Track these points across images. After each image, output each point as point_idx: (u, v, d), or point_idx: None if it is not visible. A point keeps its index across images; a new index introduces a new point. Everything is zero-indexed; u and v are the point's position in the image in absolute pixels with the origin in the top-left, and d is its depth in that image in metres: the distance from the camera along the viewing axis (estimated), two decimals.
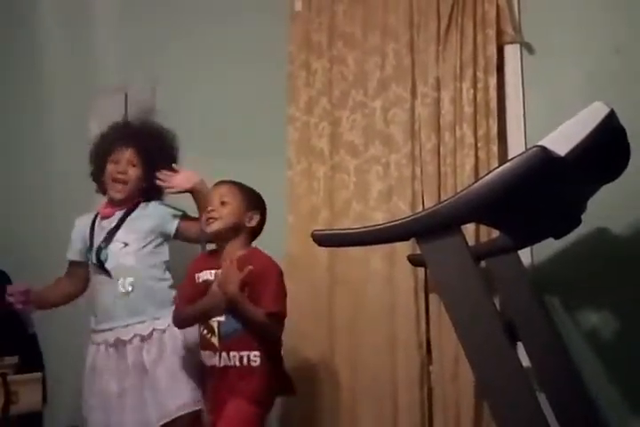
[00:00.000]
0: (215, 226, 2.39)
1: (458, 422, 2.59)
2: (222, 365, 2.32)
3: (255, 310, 2.25)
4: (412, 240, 1.77)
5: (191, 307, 2.37)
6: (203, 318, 2.37)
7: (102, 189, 2.77)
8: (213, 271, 2.37)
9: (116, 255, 2.61)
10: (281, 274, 2.38)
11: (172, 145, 2.79)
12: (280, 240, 2.93)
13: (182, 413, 2.42)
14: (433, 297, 2.70)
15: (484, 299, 1.61)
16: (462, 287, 1.61)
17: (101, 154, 2.76)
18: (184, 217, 2.68)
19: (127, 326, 2.55)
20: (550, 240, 2.17)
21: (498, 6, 2.73)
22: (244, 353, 2.30)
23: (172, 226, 2.66)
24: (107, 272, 2.60)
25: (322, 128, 2.96)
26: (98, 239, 2.66)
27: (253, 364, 2.29)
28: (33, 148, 3.69)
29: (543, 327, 2.36)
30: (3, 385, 3.04)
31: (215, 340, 2.34)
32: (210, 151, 3.14)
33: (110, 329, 2.58)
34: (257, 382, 2.29)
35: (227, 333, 2.32)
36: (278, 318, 2.31)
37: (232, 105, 3.22)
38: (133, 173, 2.68)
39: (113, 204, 2.71)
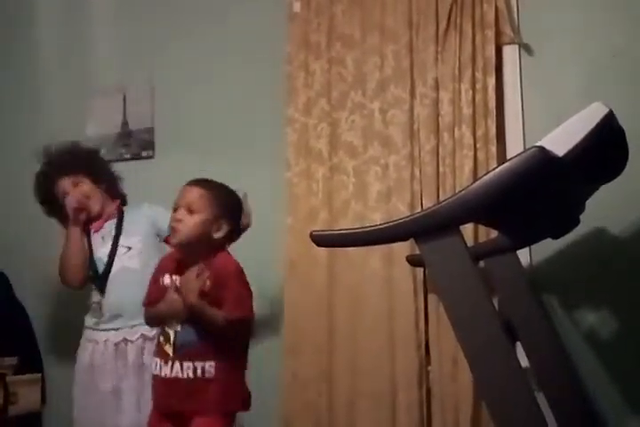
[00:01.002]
0: (178, 238, 2.24)
1: (457, 423, 2.59)
2: (173, 375, 2.17)
3: (215, 317, 2.15)
4: (411, 241, 1.78)
5: (152, 309, 2.28)
6: (161, 323, 2.26)
7: (64, 222, 2.84)
8: (175, 277, 2.25)
9: (120, 259, 2.65)
10: (240, 274, 2.24)
11: (90, 153, 2.93)
12: (279, 241, 2.93)
13: None
14: (432, 297, 2.70)
15: (482, 299, 1.61)
16: (461, 287, 1.61)
17: (44, 193, 2.87)
18: None
19: (134, 326, 2.58)
20: (549, 240, 2.17)
21: (496, 7, 2.74)
22: (198, 364, 2.16)
23: (165, 224, 2.65)
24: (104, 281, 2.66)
25: (321, 129, 2.96)
26: (99, 250, 2.74)
27: (207, 375, 2.15)
28: (30, 148, 3.68)
29: (541, 327, 2.36)
30: (2, 386, 3.04)
31: (169, 349, 2.20)
32: (208, 152, 3.14)
33: (116, 329, 2.61)
34: (211, 394, 2.16)
35: (182, 343, 2.19)
36: (241, 322, 2.19)
37: (230, 106, 3.22)
38: (82, 189, 2.78)
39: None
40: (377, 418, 2.71)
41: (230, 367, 2.20)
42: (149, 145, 3.38)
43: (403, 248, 2.62)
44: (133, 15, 3.52)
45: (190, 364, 2.17)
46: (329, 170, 2.92)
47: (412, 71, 2.85)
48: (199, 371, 2.16)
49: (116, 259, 2.70)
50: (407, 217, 1.69)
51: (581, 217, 2.03)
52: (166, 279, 2.28)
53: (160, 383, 2.22)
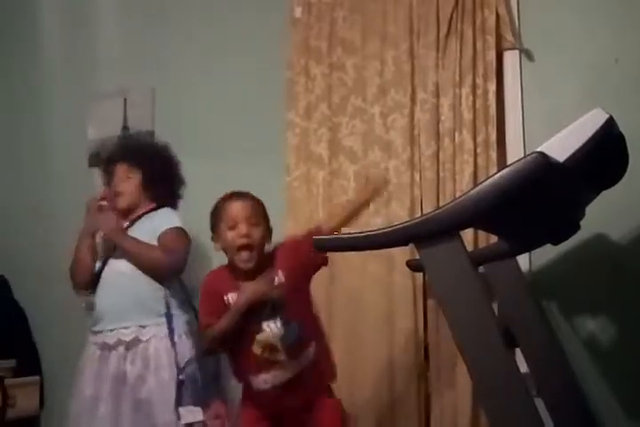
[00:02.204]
0: (256, 252, 2.24)
1: None
2: (295, 372, 2.21)
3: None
4: (411, 245, 1.78)
5: (213, 329, 2.22)
6: (223, 343, 2.25)
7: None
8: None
9: (113, 262, 2.65)
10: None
11: (163, 149, 2.85)
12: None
13: None
14: (431, 303, 2.70)
15: (482, 304, 1.61)
16: (461, 293, 1.61)
17: (107, 175, 2.85)
18: (174, 228, 2.68)
19: (112, 330, 2.57)
20: (549, 246, 2.17)
21: (497, 13, 2.74)
22: (304, 355, 2.24)
23: (158, 232, 2.67)
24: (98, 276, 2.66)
25: (321, 134, 2.96)
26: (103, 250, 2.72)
27: (311, 360, 2.25)
28: (31, 151, 3.69)
29: (541, 333, 2.36)
30: (0, 389, 3.04)
31: (281, 355, 2.20)
32: (208, 156, 3.14)
33: (100, 332, 2.61)
34: (319, 375, 2.28)
35: (290, 342, 2.20)
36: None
37: (231, 110, 3.22)
38: (128, 184, 2.74)
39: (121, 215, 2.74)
40: (375, 423, 2.70)
41: (322, 343, 2.31)
42: None
43: (403, 253, 2.62)
44: (134, 19, 3.53)
45: (299, 360, 2.23)
46: (329, 174, 2.92)
47: (412, 76, 2.85)
48: (305, 361, 2.23)
49: (110, 260, 2.69)
50: (407, 222, 1.68)
51: (581, 223, 2.02)
52: (230, 298, 2.24)
53: (274, 391, 2.22)
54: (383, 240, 1.72)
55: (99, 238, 2.75)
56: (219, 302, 2.25)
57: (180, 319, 2.59)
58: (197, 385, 2.41)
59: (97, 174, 3.38)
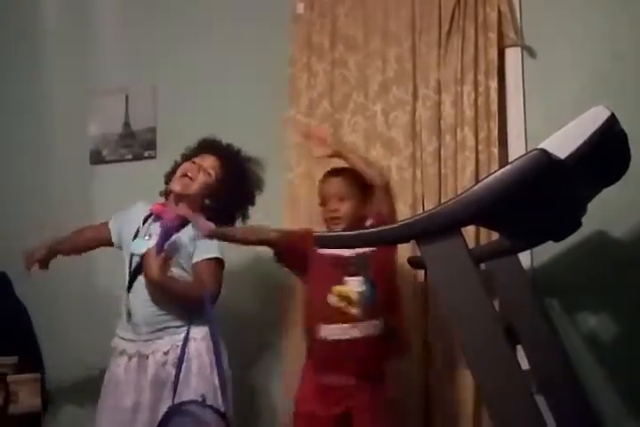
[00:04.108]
0: (341, 227, 2.41)
1: (456, 425, 2.59)
2: (363, 335, 2.30)
3: None
4: (412, 242, 1.78)
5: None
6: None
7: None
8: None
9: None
10: None
11: (255, 180, 2.68)
12: None
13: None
14: (433, 299, 2.70)
15: (483, 301, 1.61)
16: (462, 290, 1.61)
17: (187, 157, 2.67)
18: (213, 259, 2.50)
19: (147, 340, 2.46)
20: (550, 243, 2.17)
21: (499, 10, 2.74)
22: (384, 319, 2.33)
23: (196, 258, 2.50)
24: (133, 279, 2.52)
25: None
26: (141, 240, 2.54)
27: (382, 330, 2.33)
28: (32, 148, 3.69)
29: (542, 330, 2.36)
30: (2, 385, 3.04)
31: (355, 309, 2.28)
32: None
33: (134, 341, 2.49)
34: (385, 348, 2.36)
35: (366, 303, 2.28)
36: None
37: (233, 106, 3.22)
38: (202, 178, 2.57)
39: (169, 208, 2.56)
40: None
41: (396, 316, 2.39)
42: (152, 145, 3.38)
43: (404, 250, 2.62)
44: (137, 16, 3.52)
45: (369, 324, 2.31)
46: None
47: (414, 73, 2.85)
48: (374, 329, 2.32)
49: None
50: (408, 219, 1.68)
51: (583, 220, 2.02)
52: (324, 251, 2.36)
53: (337, 346, 2.30)
54: (385, 237, 1.72)
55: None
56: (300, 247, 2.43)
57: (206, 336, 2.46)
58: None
59: (99, 172, 3.42)
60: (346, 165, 2.53)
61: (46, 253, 2.65)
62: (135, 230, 2.59)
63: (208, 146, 2.68)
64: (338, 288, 2.30)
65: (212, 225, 2.40)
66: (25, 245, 3.39)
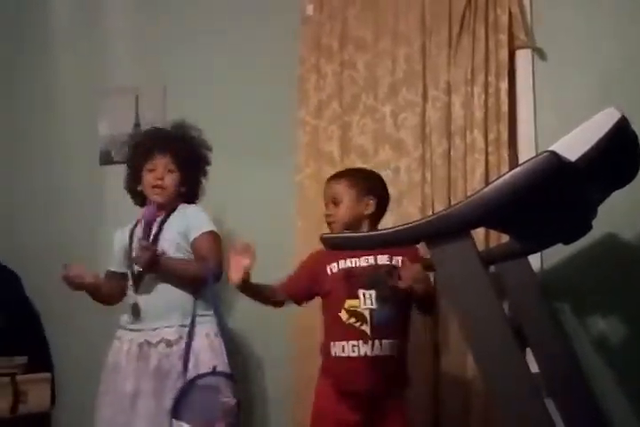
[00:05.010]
0: (334, 230, 2.40)
1: None
2: (374, 354, 2.27)
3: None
4: (422, 244, 1.77)
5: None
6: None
7: (139, 200, 2.76)
8: (354, 259, 2.37)
9: None
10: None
11: (205, 147, 2.80)
12: (290, 243, 2.93)
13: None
14: (442, 302, 2.69)
15: (493, 304, 1.60)
16: (471, 292, 1.61)
17: (136, 164, 2.76)
18: (208, 233, 2.62)
19: (155, 329, 2.55)
20: (560, 246, 2.17)
21: (510, 11, 2.73)
22: (394, 342, 2.30)
23: (192, 236, 2.62)
24: (139, 281, 2.61)
25: (332, 132, 2.97)
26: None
27: (400, 352, 2.31)
28: (43, 149, 3.70)
29: (552, 333, 2.35)
30: (12, 385, 3.06)
31: (366, 328, 2.28)
32: (220, 153, 3.13)
33: (139, 330, 2.58)
34: (402, 370, 2.32)
35: (379, 320, 2.28)
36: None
37: (242, 107, 3.22)
38: (171, 179, 2.69)
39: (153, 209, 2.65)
40: None
41: (406, 344, 2.34)
42: None
43: None
44: (147, 17, 3.53)
45: (390, 342, 2.28)
46: None
47: (424, 74, 2.85)
48: (395, 349, 2.29)
49: None
50: (418, 220, 1.68)
51: (593, 222, 2.02)
52: (342, 264, 2.37)
53: (356, 365, 2.28)
54: (394, 239, 1.72)
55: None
56: (307, 272, 2.46)
57: (210, 321, 2.56)
58: (204, 400, 2.41)
59: (108, 172, 3.42)
60: (355, 166, 2.51)
61: (91, 284, 2.63)
62: (128, 248, 2.67)
63: (150, 147, 2.74)
64: (349, 302, 2.30)
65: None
66: (36, 247, 3.39)
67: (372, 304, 2.29)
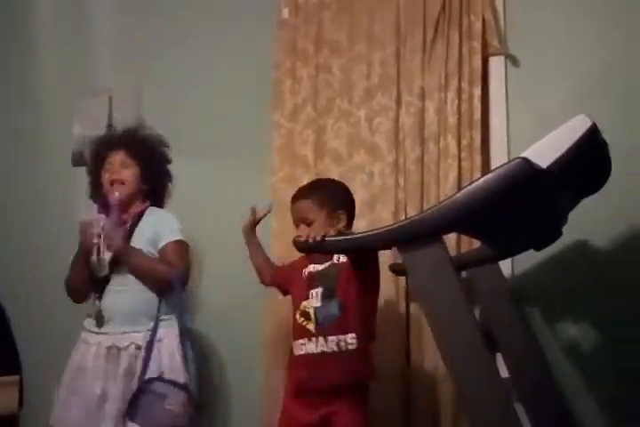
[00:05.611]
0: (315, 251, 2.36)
1: None
2: (319, 351, 2.29)
3: None
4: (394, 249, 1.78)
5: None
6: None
7: (102, 207, 2.66)
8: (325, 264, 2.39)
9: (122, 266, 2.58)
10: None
11: (160, 143, 2.78)
12: (265, 244, 2.92)
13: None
14: (414, 307, 2.70)
15: (463, 309, 1.61)
16: (442, 297, 1.62)
17: (95, 171, 2.74)
18: (175, 242, 2.62)
19: (124, 333, 2.53)
20: (531, 252, 2.18)
21: (483, 18, 2.75)
22: (341, 337, 2.28)
23: (160, 243, 2.61)
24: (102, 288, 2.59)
25: (306, 135, 2.96)
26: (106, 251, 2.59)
27: (350, 347, 2.28)
28: (17, 149, 3.67)
29: (522, 338, 2.37)
30: None
31: (311, 326, 2.31)
32: (194, 156, 3.14)
33: (106, 333, 2.55)
34: (355, 365, 2.29)
35: (324, 318, 2.30)
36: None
37: (217, 110, 3.21)
38: (130, 173, 2.66)
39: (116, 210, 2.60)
40: None
41: (366, 338, 2.32)
42: None
43: (385, 257, 2.62)
44: (123, 18, 3.52)
45: (334, 338, 2.28)
46: (314, 176, 2.91)
47: (398, 79, 2.86)
48: (342, 344, 2.27)
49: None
50: (390, 225, 1.69)
51: (564, 229, 2.03)
52: (305, 272, 2.41)
53: (306, 362, 2.31)
54: (367, 243, 1.72)
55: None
56: (290, 269, 2.52)
57: (174, 324, 2.56)
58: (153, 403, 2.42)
59: (81, 174, 3.39)
60: (318, 177, 2.56)
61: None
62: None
63: (103, 149, 2.74)
64: (304, 303, 2.35)
65: None
66: (4, 245, 3.35)
67: (317, 302, 2.32)
